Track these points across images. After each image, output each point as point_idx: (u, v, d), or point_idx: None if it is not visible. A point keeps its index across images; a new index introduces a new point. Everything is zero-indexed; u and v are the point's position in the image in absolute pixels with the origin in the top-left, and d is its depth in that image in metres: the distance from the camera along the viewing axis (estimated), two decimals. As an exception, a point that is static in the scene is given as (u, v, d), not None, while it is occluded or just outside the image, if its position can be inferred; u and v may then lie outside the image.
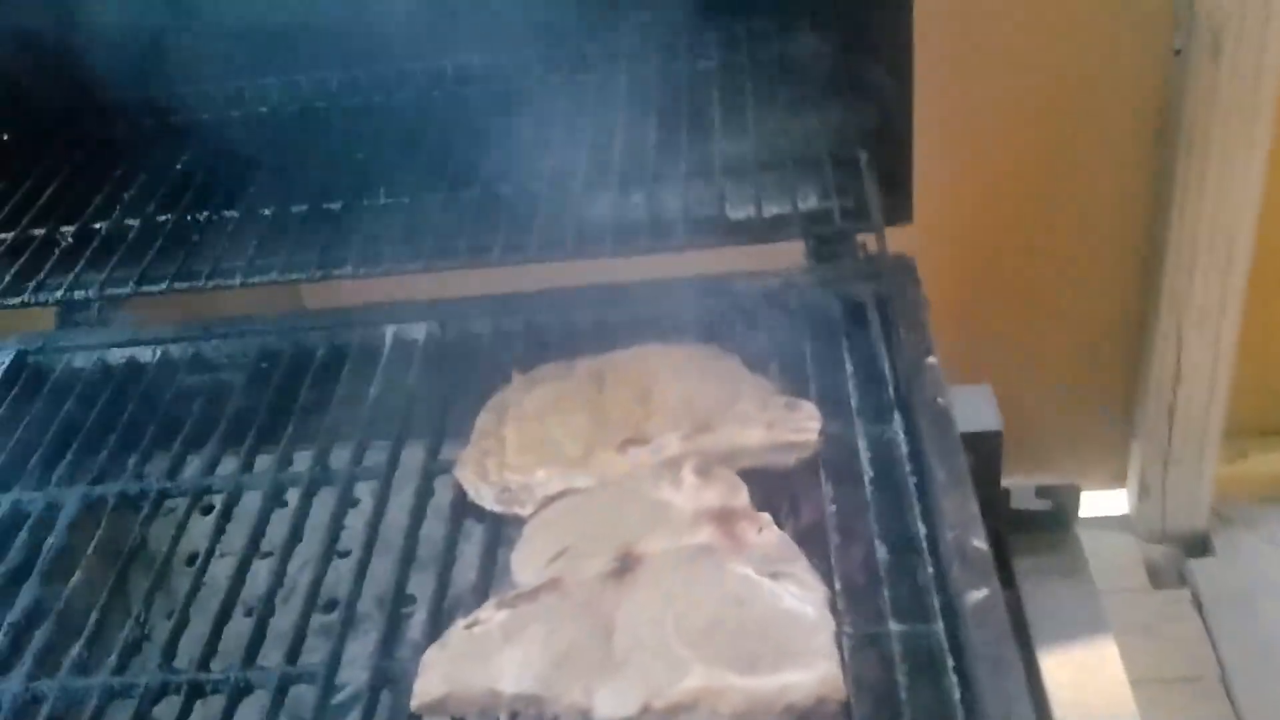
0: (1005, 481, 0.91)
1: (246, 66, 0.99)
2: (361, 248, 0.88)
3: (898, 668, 0.59)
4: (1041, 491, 0.91)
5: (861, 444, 0.72)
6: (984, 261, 1.68)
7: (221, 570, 0.72)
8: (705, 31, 0.95)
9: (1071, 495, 0.91)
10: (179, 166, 0.98)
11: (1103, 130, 1.56)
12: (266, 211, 0.94)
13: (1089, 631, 0.84)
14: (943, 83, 1.52)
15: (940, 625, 0.60)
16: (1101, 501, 1.91)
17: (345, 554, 0.72)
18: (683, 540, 0.63)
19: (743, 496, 0.65)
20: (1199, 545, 1.79)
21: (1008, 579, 0.90)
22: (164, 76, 0.96)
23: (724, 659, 0.56)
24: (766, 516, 0.64)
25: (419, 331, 0.87)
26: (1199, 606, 1.72)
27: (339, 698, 0.63)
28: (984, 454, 0.89)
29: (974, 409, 0.90)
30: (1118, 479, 1.86)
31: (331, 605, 0.70)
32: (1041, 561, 0.90)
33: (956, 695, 0.57)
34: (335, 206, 0.92)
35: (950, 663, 0.58)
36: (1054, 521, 0.92)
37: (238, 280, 0.88)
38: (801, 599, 0.59)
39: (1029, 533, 0.92)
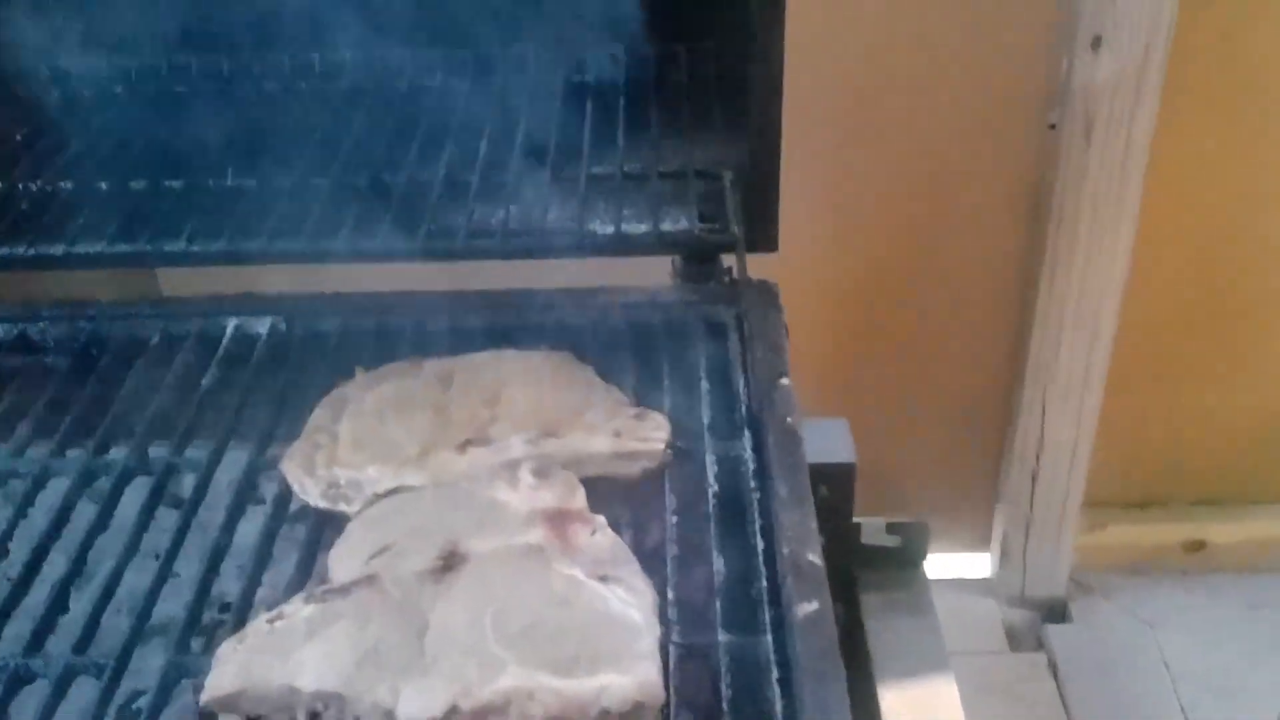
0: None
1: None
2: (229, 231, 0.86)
3: (723, 678, 0.57)
4: (892, 527, 0.91)
5: (709, 459, 0.71)
6: (859, 327, 1.70)
7: (18, 557, 0.67)
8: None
9: (921, 532, 0.90)
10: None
11: (979, 199, 1.60)
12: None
13: (930, 668, 0.83)
14: (823, 149, 1.55)
15: (769, 637, 0.59)
16: (966, 565, 1.93)
17: (153, 548, 0.67)
18: (512, 540, 0.60)
19: (579, 498, 0.63)
20: (1057, 611, 1.82)
21: (855, 614, 0.89)
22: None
23: (540, 659, 0.53)
24: (601, 519, 0.62)
25: (262, 325, 0.83)
26: (1054, 671, 1.74)
27: (128, 692, 0.58)
28: (837, 486, 0.88)
29: (829, 441, 0.89)
30: (983, 543, 1.89)
31: (136, 601, 0.65)
32: (889, 598, 0.89)
33: (778, 706, 0.55)
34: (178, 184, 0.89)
35: (775, 674, 0.56)
36: (904, 559, 0.91)
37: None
38: (628, 603, 0.57)
39: (878, 569, 0.91)
